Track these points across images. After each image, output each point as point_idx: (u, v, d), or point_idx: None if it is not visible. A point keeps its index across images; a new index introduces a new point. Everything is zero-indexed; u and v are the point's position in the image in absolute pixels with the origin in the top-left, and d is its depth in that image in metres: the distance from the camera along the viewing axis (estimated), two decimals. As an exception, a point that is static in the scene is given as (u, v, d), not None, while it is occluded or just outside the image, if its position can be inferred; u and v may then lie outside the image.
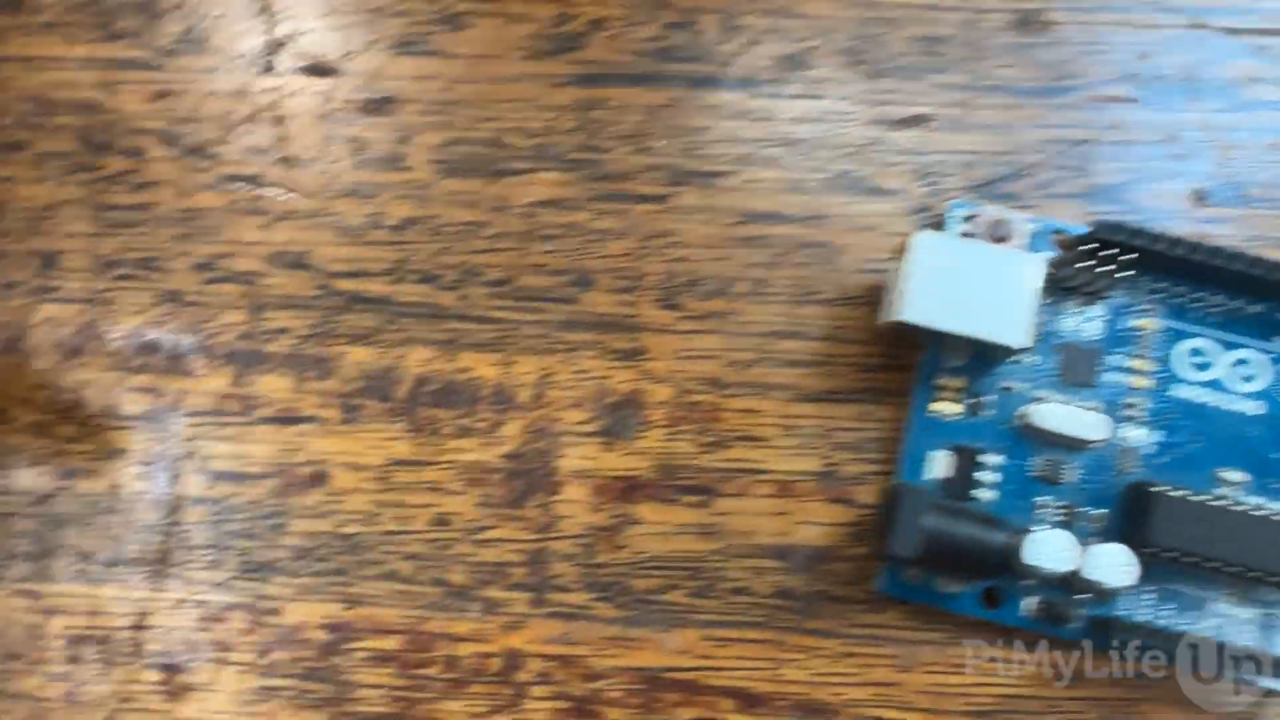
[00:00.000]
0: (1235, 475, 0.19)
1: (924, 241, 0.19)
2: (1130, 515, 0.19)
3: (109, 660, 0.20)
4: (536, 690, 0.20)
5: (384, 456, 0.21)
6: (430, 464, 0.20)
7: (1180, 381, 0.20)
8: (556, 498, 0.20)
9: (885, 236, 0.21)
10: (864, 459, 0.20)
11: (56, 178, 0.22)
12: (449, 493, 0.20)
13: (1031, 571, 0.18)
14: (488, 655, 0.20)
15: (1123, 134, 0.21)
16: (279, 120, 0.22)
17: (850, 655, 0.20)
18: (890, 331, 0.20)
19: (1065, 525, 0.19)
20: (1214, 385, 0.19)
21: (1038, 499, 0.19)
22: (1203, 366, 0.20)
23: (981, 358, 0.20)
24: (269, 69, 0.22)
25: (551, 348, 0.21)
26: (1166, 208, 0.21)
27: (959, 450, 0.19)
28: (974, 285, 0.18)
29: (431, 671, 0.20)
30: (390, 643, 0.20)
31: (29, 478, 0.21)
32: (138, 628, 0.20)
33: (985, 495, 0.19)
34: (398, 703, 0.20)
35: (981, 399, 0.20)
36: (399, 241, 0.21)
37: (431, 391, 0.21)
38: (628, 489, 0.20)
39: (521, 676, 0.20)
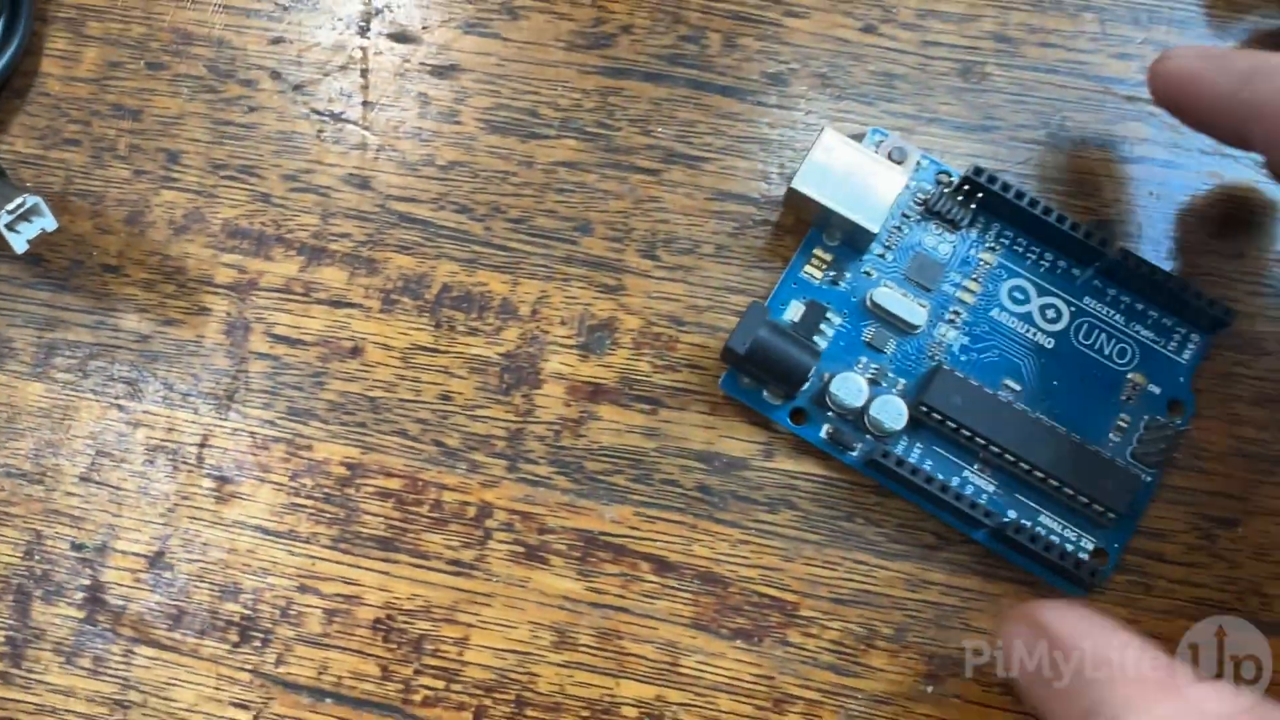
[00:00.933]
0: (1015, 385, 0.25)
1: (829, 136, 0.24)
2: (921, 385, 0.24)
3: (176, 467, 0.26)
4: (499, 535, 0.25)
5: (408, 342, 0.26)
6: (443, 352, 0.26)
7: (998, 307, 0.25)
8: (537, 391, 0.26)
9: (826, 225, 0.26)
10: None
11: (187, 95, 0.28)
12: (455, 376, 0.26)
13: (834, 401, 0.24)
14: (466, 503, 0.25)
15: (1030, 170, 0.27)
16: (365, 73, 0.28)
17: (747, 543, 0.25)
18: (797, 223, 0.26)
19: (873, 383, 0.24)
20: (1024, 318, 0.25)
21: (860, 358, 0.25)
22: (1020, 301, 0.25)
23: (851, 245, 0.25)
24: (363, 32, 0.28)
25: (551, 276, 0.26)
26: (1054, 231, 0.26)
27: (811, 305, 0.25)
28: (854, 179, 0.24)
29: (421, 510, 0.25)
30: (392, 483, 0.26)
31: (134, 321, 0.27)
32: (201, 445, 0.26)
33: (821, 343, 0.25)
34: (392, 529, 0.25)
35: (843, 274, 0.25)
36: (445, 179, 0.27)
37: (453, 297, 0.26)
38: (594, 392, 0.26)
39: (490, 523, 0.25)
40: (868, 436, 0.25)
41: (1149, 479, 0.24)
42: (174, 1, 0.28)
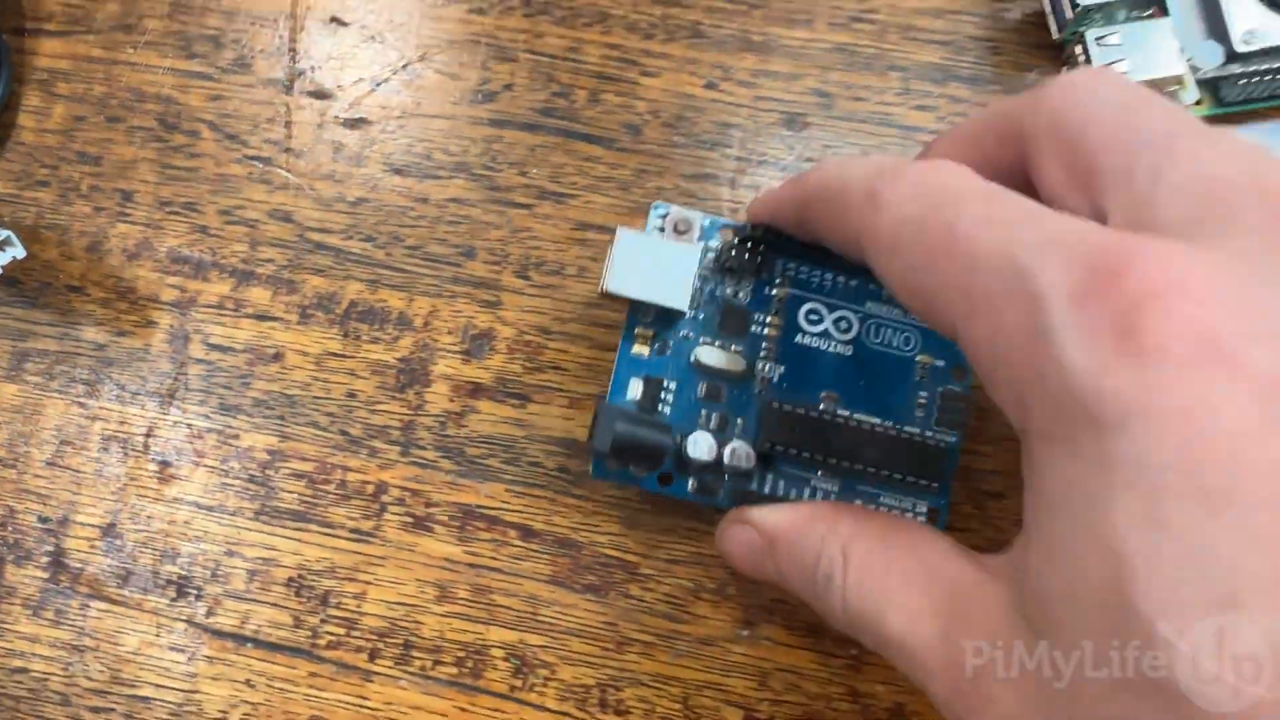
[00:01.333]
0: (832, 395, 0.29)
1: (624, 235, 0.27)
2: (759, 424, 0.28)
3: (126, 453, 0.31)
4: (393, 509, 0.30)
5: (321, 349, 0.31)
6: (350, 358, 0.31)
7: (800, 332, 0.29)
8: (427, 389, 0.31)
9: (670, 250, 0.32)
10: (630, 391, 0.31)
11: (139, 143, 0.33)
12: (359, 377, 0.31)
13: (691, 460, 0.28)
14: (366, 482, 0.31)
15: (841, 203, 0.32)
16: (289, 124, 0.33)
17: (598, 514, 0.30)
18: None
19: (719, 430, 0.28)
20: (822, 335, 0.29)
21: (702, 412, 0.28)
22: (815, 322, 0.29)
23: (665, 316, 0.29)
24: (287, 90, 0.33)
25: (440, 293, 0.32)
26: (858, 255, 0.31)
27: (648, 380, 0.29)
28: (655, 267, 0.28)
29: (328, 488, 0.31)
30: (305, 466, 0.31)
31: (94, 332, 0.32)
32: (147, 435, 0.31)
33: (666, 410, 0.29)
34: (304, 504, 0.30)
35: (666, 344, 0.29)
36: (353, 213, 0.32)
37: (359, 311, 0.32)
38: (474, 390, 0.31)
39: (385, 499, 0.30)
40: (726, 478, 0.28)
41: (954, 439, 0.28)
42: (130, 65, 0.33)
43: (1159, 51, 0.30)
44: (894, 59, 0.33)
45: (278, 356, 0.31)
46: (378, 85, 0.33)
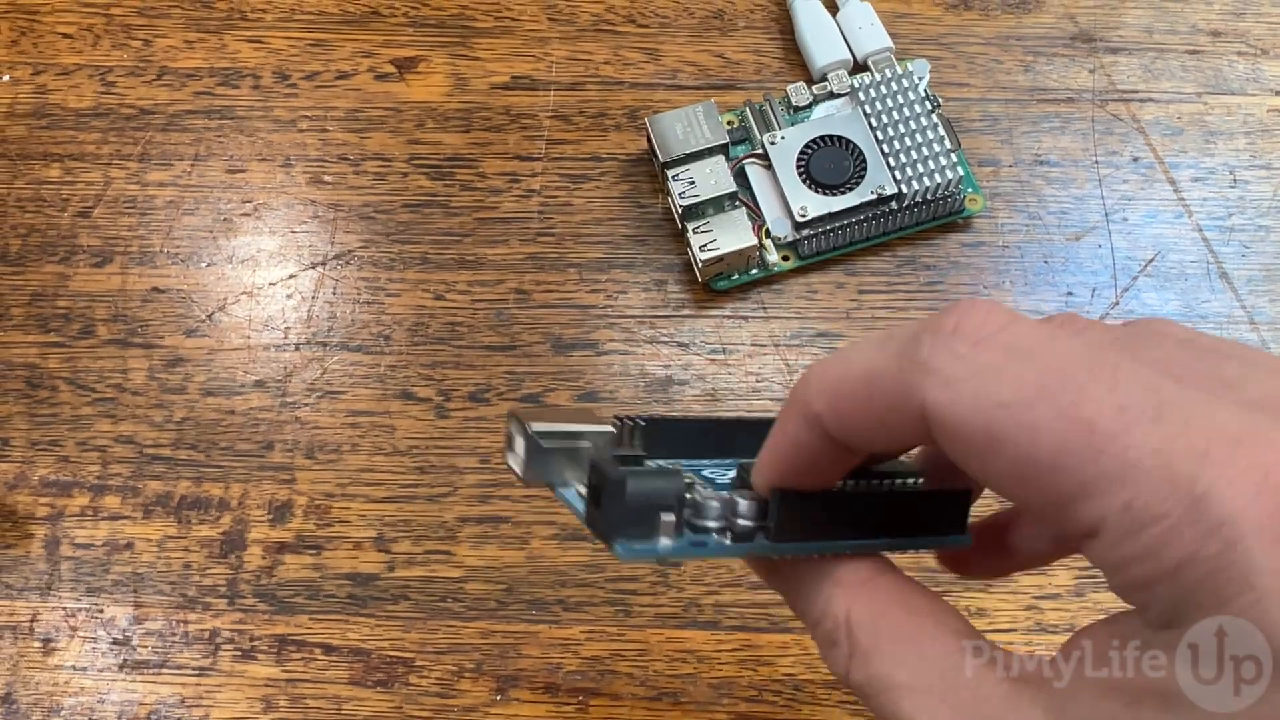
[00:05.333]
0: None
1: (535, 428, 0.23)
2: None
3: (16, 637, 0.40)
4: (225, 646, 0.39)
5: (161, 534, 0.41)
6: (184, 538, 0.41)
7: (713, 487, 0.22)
8: (245, 552, 0.41)
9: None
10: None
11: (12, 401, 0.43)
12: (191, 551, 0.41)
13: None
14: (203, 629, 0.39)
15: (540, 369, 0.43)
16: (125, 371, 0.44)
17: (381, 625, 0.40)
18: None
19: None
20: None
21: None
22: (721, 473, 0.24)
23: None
24: (123, 363, 0.44)
25: (249, 479, 0.41)
26: (556, 404, 0.42)
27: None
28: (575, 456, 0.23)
29: (175, 636, 0.40)
30: (155, 624, 0.40)
31: (-14, 549, 0.41)
32: (32, 620, 0.40)
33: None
34: (155, 652, 0.39)
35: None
36: (179, 429, 0.43)
37: (189, 502, 0.41)
38: (280, 547, 0.41)
39: (219, 639, 0.39)
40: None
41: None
42: (1, 344, 0.44)
43: (738, 231, 0.42)
44: (570, 259, 0.45)
45: (129, 546, 0.41)
46: (189, 333, 0.44)
